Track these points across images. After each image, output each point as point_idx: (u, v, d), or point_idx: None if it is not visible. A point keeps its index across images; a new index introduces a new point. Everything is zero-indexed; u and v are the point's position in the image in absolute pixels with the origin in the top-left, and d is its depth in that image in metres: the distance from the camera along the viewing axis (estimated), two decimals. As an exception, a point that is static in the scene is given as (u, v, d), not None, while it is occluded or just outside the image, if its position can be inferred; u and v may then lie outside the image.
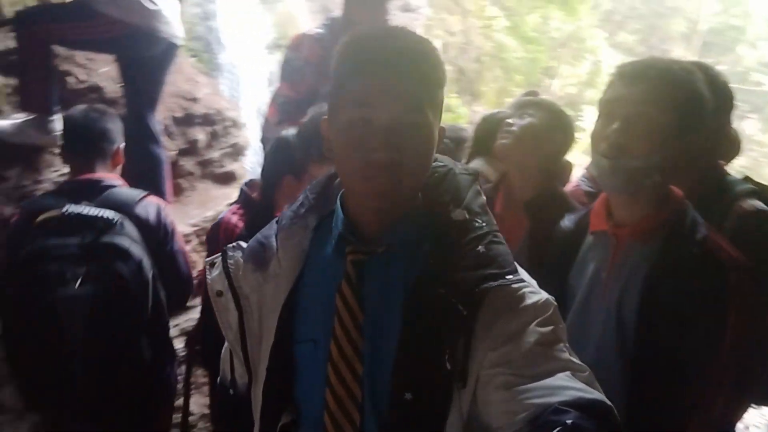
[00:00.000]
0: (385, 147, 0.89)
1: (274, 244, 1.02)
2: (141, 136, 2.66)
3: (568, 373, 0.84)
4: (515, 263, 0.96)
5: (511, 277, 0.91)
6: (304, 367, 0.98)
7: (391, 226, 0.97)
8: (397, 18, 4.91)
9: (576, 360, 0.87)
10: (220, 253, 1.06)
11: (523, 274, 0.96)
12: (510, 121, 1.82)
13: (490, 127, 2.24)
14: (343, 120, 0.93)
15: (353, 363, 0.93)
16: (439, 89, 0.95)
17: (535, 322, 0.88)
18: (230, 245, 1.06)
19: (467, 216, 0.96)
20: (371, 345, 0.94)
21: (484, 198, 1.02)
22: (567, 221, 1.55)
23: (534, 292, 0.92)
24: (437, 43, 3.99)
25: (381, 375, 0.92)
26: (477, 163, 2.31)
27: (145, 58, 2.62)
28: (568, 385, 0.81)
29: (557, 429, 0.73)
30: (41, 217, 1.82)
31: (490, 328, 0.88)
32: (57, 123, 2.44)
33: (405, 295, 0.93)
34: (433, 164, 1.00)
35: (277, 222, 1.06)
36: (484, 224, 0.97)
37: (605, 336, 1.35)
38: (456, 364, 0.88)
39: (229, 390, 1.14)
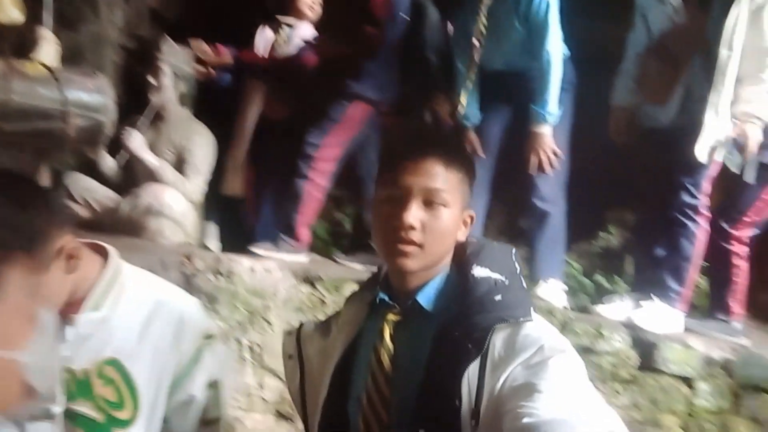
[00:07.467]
0: (409, 225, 1.02)
1: (339, 317, 1.20)
2: None
3: (583, 408, 0.87)
4: (533, 311, 1.03)
5: (522, 318, 0.99)
6: (353, 422, 1.09)
7: (421, 289, 1.08)
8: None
9: (597, 398, 0.91)
10: (298, 324, 1.25)
11: (540, 321, 1.03)
12: None
13: None
14: (377, 197, 1.09)
15: (381, 413, 1.03)
16: (465, 176, 1.09)
17: (551, 359, 0.93)
18: (307, 320, 1.28)
19: (490, 273, 1.07)
20: (399, 395, 1.03)
21: (519, 267, 1.11)
22: None
23: (552, 334, 0.99)
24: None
25: (406, 421, 1.01)
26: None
27: None
28: (579, 422, 0.84)
29: None
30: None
31: (503, 364, 0.95)
32: None
33: (430, 345, 1.03)
34: (469, 239, 1.12)
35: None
36: (506, 281, 1.06)
37: None
38: (467, 401, 0.96)
39: None
